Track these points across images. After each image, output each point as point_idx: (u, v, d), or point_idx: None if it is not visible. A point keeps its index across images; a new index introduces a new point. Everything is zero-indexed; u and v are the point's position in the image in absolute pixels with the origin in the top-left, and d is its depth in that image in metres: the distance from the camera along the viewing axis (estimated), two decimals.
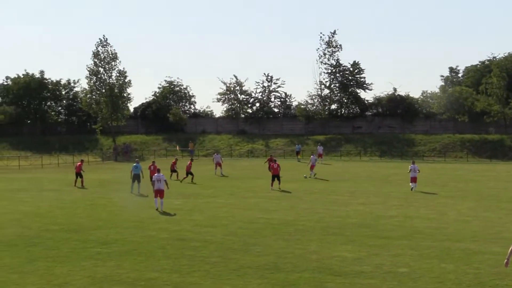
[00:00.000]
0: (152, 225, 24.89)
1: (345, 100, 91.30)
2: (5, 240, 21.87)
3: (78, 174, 41.95)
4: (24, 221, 26.24)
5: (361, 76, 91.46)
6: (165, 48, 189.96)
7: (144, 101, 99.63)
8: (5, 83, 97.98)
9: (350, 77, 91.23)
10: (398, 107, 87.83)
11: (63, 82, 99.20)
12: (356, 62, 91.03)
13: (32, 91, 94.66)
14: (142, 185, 37.28)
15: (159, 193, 29.76)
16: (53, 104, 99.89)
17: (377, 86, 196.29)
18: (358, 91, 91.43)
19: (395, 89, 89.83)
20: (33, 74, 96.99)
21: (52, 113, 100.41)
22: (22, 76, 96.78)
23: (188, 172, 43.62)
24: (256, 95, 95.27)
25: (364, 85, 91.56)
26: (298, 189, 38.46)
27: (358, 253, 19.23)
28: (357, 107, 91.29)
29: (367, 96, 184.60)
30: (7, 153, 77.95)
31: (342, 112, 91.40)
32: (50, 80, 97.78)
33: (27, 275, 16.68)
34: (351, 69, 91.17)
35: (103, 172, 55.02)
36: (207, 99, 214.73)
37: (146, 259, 18.60)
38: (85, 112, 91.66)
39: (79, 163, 43.37)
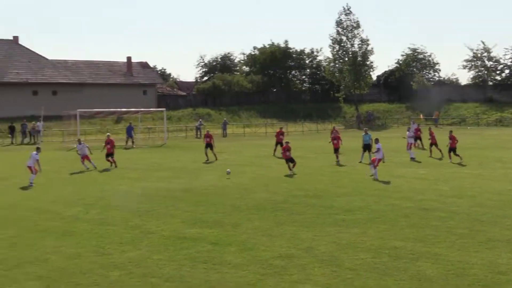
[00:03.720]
0: (395, 194, 24.62)
1: None
2: (255, 204, 22.83)
3: (280, 143, 41.78)
4: (271, 186, 27.21)
5: None
6: (406, 14, 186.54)
7: (387, 69, 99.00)
8: (253, 53, 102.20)
9: None
10: None
11: (306, 51, 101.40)
12: None
13: (277, 60, 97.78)
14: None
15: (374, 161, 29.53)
16: (297, 73, 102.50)
17: None
18: None
19: None
20: (278, 43, 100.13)
21: (297, 81, 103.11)
22: (268, 46, 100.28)
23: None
24: (505, 62, 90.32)
25: None
26: None
27: None
28: None
29: None
30: (255, 120, 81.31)
31: None
32: (294, 50, 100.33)
33: (275, 238, 17.28)
34: None
35: (346, 140, 55.45)
36: (452, 67, 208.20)
37: (390, 227, 18.45)
38: (328, 80, 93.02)
39: (278, 131, 43.75)
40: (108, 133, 37.36)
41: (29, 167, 29.60)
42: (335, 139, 37.23)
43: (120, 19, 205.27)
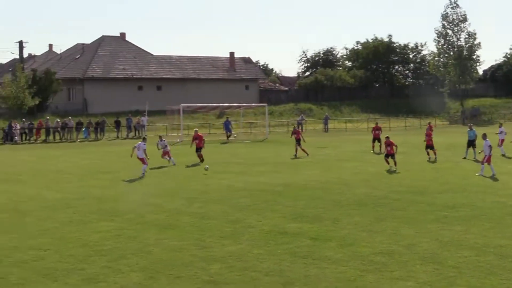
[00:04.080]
0: (501, 191, 23.89)
1: None
2: (355, 199, 22.65)
3: (377, 139, 41.10)
4: (372, 182, 26.94)
5: None
6: None
7: (494, 63, 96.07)
8: (356, 48, 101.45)
9: None
10: None
11: (410, 45, 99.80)
12: None
13: (380, 55, 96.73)
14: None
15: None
16: (401, 67, 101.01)
17: None
18: None
19: None
20: (381, 38, 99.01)
21: (400, 76, 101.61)
22: (371, 41, 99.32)
23: None
24: None
25: None
26: None
27: None
28: None
29: None
30: (357, 115, 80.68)
31: None
32: (397, 44, 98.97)
33: (375, 234, 17.09)
34: None
35: (450, 136, 54.32)
36: None
37: (495, 225, 17.90)
38: (432, 75, 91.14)
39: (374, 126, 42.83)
40: (196, 129, 37.79)
41: (142, 159, 30.59)
42: (427, 135, 36.35)
43: (223, 15, 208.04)
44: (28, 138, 55.92)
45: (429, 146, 35.72)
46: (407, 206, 21.15)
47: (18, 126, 55.65)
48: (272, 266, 14.18)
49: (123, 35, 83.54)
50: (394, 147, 31.31)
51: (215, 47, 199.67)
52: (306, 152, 37.83)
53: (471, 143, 35.48)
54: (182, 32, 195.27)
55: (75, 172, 32.45)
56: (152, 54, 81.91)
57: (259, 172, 30.88)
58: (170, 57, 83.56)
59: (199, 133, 36.42)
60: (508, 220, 18.61)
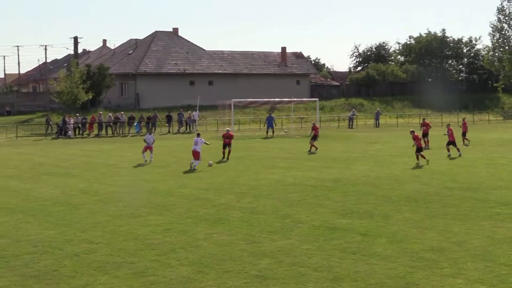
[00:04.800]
0: None
1: None
2: (406, 195, 22.44)
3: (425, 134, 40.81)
4: (424, 178, 26.64)
5: None
6: None
7: None
8: (408, 42, 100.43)
9: None
10: None
11: (464, 40, 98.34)
12: None
13: (433, 49, 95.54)
14: None
15: None
16: (454, 62, 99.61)
17: None
18: None
19: None
20: (435, 32, 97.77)
21: (453, 71, 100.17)
22: (424, 35, 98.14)
23: None
24: None
25: None
26: None
27: None
28: None
29: None
30: (409, 110, 79.82)
31: None
32: (451, 38, 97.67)
33: (426, 230, 16.90)
34: None
35: (505, 131, 53.39)
36: None
37: None
38: (487, 70, 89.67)
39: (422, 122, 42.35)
40: (228, 128, 38.01)
41: (198, 153, 31.04)
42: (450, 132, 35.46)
43: (275, 10, 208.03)
44: (81, 132, 56.78)
45: (451, 142, 35.06)
46: (459, 202, 20.87)
47: (72, 121, 56.51)
48: (321, 262, 14.14)
49: (175, 30, 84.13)
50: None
51: (267, 42, 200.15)
52: (315, 147, 38.71)
53: None
54: (234, 27, 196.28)
55: (126, 166, 32.85)
56: (204, 49, 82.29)
57: (309, 167, 30.80)
58: (222, 52, 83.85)
59: (231, 132, 36.07)
60: None
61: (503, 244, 15.31)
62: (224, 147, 34.87)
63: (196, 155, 31.02)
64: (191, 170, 30.10)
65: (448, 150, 34.70)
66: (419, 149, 31.87)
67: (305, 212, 19.70)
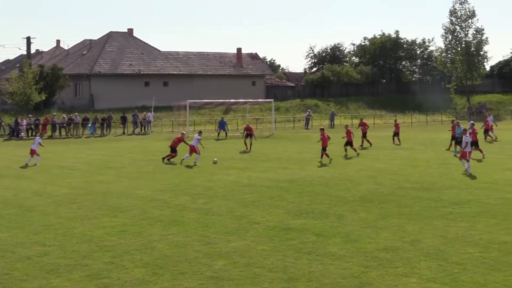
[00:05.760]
0: (507, 187, 23.80)
1: None
2: (360, 195, 22.62)
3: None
4: (378, 178, 26.87)
5: None
6: None
7: (501, 59, 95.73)
8: (363, 44, 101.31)
9: None
10: None
11: (418, 41, 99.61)
12: None
13: (387, 51, 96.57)
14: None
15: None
16: (408, 63, 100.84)
17: None
18: None
19: None
20: (389, 34, 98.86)
21: (407, 72, 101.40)
22: (378, 37, 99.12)
23: None
24: None
25: None
26: None
27: None
28: None
29: None
30: (363, 111, 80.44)
31: None
32: (405, 40, 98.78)
33: (380, 230, 17.07)
34: None
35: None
36: None
37: (500, 221, 17.87)
38: (439, 71, 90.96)
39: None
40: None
41: (195, 148, 32.44)
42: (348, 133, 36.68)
43: (231, 10, 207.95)
44: (34, 134, 55.96)
45: (349, 142, 36.19)
46: (412, 202, 21.12)
47: (25, 122, 55.70)
48: (276, 262, 14.17)
49: (130, 31, 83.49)
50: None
51: (223, 43, 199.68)
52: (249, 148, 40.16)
53: (456, 140, 35.11)
54: (190, 28, 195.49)
55: (80, 167, 32.48)
56: (159, 50, 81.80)
57: (264, 168, 30.85)
58: (177, 53, 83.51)
59: (179, 136, 35.99)
60: None
61: (455, 243, 15.53)
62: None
63: (193, 150, 32.43)
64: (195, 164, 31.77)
65: (346, 151, 36.16)
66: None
67: (260, 212, 19.72)
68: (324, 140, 33.67)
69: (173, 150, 34.31)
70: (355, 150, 35.77)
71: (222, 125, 53.55)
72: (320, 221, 18.27)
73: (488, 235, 16.30)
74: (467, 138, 28.73)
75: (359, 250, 15.07)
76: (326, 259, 14.37)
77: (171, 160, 33.78)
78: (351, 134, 36.22)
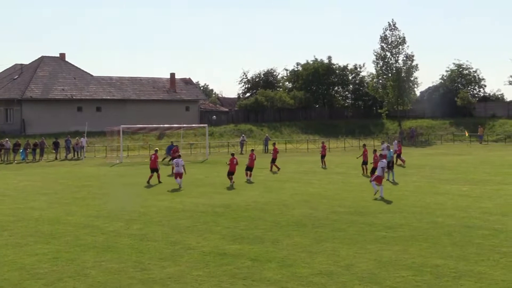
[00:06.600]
0: (438, 211, 24.32)
1: None
2: (295, 220, 22.75)
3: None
4: (312, 203, 27.09)
5: None
6: (453, 31, 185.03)
7: (431, 85, 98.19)
8: (296, 69, 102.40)
9: None
10: None
11: (350, 67, 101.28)
12: None
13: (320, 76, 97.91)
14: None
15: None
16: (340, 88, 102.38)
17: None
18: None
19: None
20: (321, 59, 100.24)
21: (339, 97, 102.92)
22: (311, 62, 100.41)
23: None
24: None
25: None
26: None
27: None
28: None
29: None
30: (297, 136, 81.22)
31: None
32: (337, 65, 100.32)
33: (315, 255, 17.17)
34: None
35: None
36: (498, 83, 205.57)
37: (432, 245, 18.22)
38: (371, 96, 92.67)
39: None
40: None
41: (180, 174, 33.40)
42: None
43: (164, 37, 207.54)
44: None
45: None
46: (346, 226, 21.34)
47: None
48: None
49: (62, 55, 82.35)
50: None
51: (156, 68, 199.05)
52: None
53: (388, 164, 35.36)
54: (123, 53, 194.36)
55: (11, 194, 31.73)
56: (92, 75, 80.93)
57: (199, 193, 30.75)
58: (110, 78, 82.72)
59: (153, 154, 36.30)
60: (444, 240, 18.93)
61: (389, 267, 15.75)
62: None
63: (179, 175, 33.26)
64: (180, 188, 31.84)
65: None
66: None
67: (195, 238, 19.63)
68: (232, 165, 34.98)
69: (153, 170, 35.84)
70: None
71: (169, 150, 53.19)
72: (255, 246, 18.29)
73: (420, 258, 16.59)
74: (382, 164, 29.44)
75: (294, 274, 15.13)
76: (261, 284, 14.38)
77: (160, 180, 35.50)
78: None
